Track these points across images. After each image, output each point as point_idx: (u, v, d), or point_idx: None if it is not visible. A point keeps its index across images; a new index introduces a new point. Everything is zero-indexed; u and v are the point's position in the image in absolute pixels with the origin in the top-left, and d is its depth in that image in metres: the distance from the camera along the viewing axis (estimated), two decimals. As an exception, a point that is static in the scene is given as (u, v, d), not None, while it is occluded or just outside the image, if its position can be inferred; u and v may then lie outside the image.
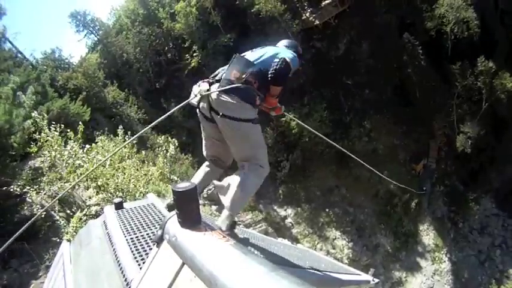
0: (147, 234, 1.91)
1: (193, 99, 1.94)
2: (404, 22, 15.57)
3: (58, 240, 4.76)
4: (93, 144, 5.52)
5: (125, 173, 5.16)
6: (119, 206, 2.46)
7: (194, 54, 18.39)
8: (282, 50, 2.06)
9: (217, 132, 2.00)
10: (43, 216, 5.22)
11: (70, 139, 5.29)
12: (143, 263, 1.48)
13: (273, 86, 1.97)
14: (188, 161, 13.11)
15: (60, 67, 16.64)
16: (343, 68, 16.68)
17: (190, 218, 1.08)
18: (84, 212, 4.29)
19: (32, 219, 1.89)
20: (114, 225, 2.07)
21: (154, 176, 5.80)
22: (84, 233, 2.52)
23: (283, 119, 14.43)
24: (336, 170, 15.78)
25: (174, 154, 7.16)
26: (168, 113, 2.05)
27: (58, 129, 5.29)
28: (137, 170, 5.69)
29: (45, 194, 5.35)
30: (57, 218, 5.27)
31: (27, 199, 5.68)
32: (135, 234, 1.91)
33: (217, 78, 1.93)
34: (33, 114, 5.78)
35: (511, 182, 14.58)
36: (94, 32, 21.48)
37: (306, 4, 17.10)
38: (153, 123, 2.18)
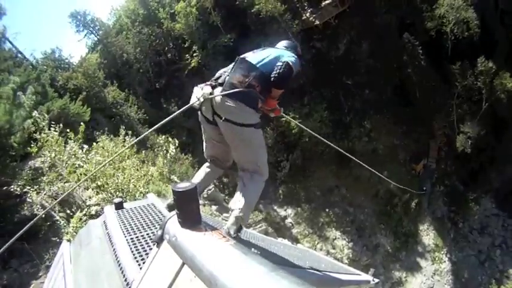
0: (147, 234, 1.91)
1: (196, 102, 1.92)
2: (404, 22, 15.56)
3: (58, 240, 4.77)
4: (94, 144, 5.53)
5: (125, 173, 5.17)
6: (119, 206, 2.47)
7: (194, 55, 18.37)
8: (284, 53, 2.06)
9: (218, 135, 2.00)
10: (43, 216, 5.21)
11: (70, 139, 5.30)
12: (143, 263, 1.48)
13: (274, 89, 1.97)
14: (188, 161, 13.07)
15: (60, 67, 16.58)
16: (343, 68, 16.67)
17: (191, 218, 1.08)
18: (84, 212, 4.30)
19: (33, 221, 1.88)
20: (114, 225, 2.07)
21: (154, 176, 5.80)
22: (84, 233, 2.52)
23: (283, 119, 14.42)
24: (336, 170, 15.77)
25: (174, 154, 7.16)
26: (171, 116, 2.04)
27: (58, 129, 5.30)
28: (137, 170, 5.70)
29: (45, 194, 5.36)
30: (57, 218, 5.27)
31: (28, 199, 5.68)
32: (135, 234, 1.91)
33: (220, 81, 1.91)
34: (33, 114, 5.79)
35: (511, 182, 14.57)
36: (94, 32, 21.43)
37: (306, 4, 17.09)
38: (156, 126, 2.16)
